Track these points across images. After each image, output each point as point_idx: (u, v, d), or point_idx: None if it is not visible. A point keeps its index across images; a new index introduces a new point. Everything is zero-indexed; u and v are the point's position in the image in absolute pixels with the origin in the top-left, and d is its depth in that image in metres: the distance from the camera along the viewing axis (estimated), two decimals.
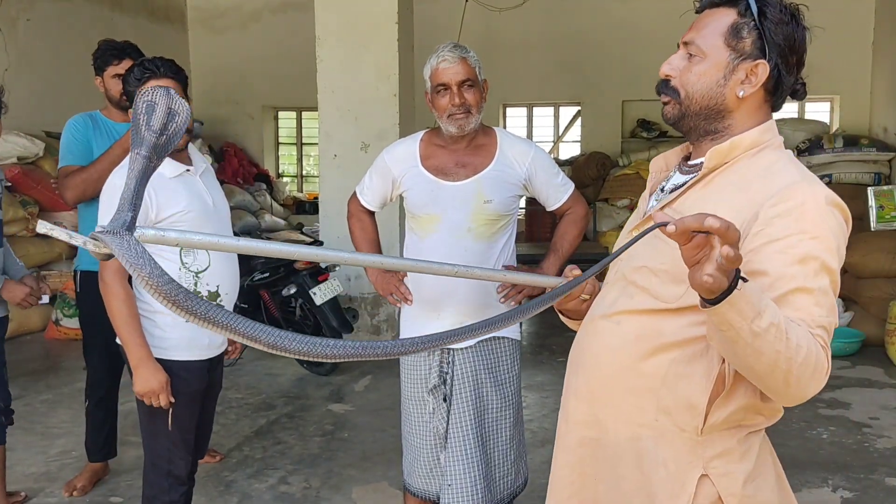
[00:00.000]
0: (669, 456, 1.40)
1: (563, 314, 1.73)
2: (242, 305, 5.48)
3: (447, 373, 2.57)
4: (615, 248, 1.41)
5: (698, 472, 1.38)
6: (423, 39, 6.17)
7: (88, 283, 3.26)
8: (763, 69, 1.39)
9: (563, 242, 2.71)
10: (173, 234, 1.11)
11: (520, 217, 6.29)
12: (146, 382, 2.35)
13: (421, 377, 2.60)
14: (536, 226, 8.48)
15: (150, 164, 1.14)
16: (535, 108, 9.83)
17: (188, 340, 2.47)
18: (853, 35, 7.94)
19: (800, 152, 7.59)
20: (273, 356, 5.81)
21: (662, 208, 1.44)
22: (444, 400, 2.56)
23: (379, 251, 2.77)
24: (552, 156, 9.21)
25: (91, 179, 3.24)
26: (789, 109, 9.10)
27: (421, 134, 2.67)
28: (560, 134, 9.73)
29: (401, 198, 2.69)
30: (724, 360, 1.33)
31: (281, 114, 10.64)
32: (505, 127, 9.68)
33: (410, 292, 2.61)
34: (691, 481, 1.38)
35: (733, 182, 1.39)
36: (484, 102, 2.54)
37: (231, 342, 2.71)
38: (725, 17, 1.41)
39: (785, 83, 1.43)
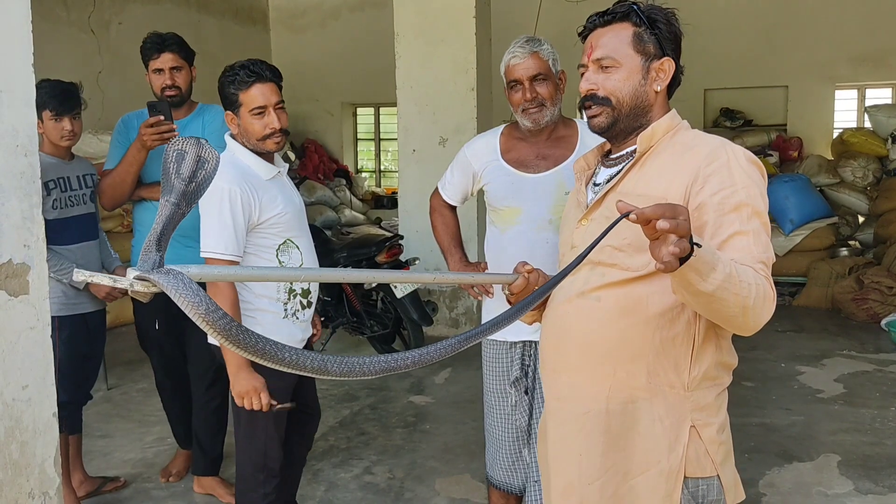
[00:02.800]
0: (664, 412, 1.59)
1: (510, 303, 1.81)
2: (326, 298, 5.60)
3: (529, 365, 2.58)
4: (561, 237, 1.81)
5: (688, 423, 1.58)
6: (500, 32, 6.16)
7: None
8: (669, 64, 1.66)
9: None
10: (195, 270, 1.11)
11: None
12: (246, 383, 2.39)
13: (503, 370, 2.62)
14: None
15: (179, 211, 1.17)
16: None
17: (287, 337, 2.53)
18: None
19: (894, 139, 7.29)
20: (355, 349, 5.93)
21: (606, 194, 1.66)
22: (526, 393, 2.57)
23: (460, 245, 2.80)
24: None
25: (115, 183, 3.25)
26: (883, 95, 8.76)
27: (501, 128, 2.68)
28: None
29: (480, 192, 2.71)
30: (695, 322, 1.56)
31: (359, 110, 10.80)
32: (584, 117, 9.59)
33: (492, 285, 2.63)
34: (684, 432, 1.58)
35: (664, 160, 1.62)
36: (561, 94, 2.53)
37: (315, 327, 2.78)
38: (624, 30, 1.66)
39: (680, 73, 1.69)
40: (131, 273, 1.05)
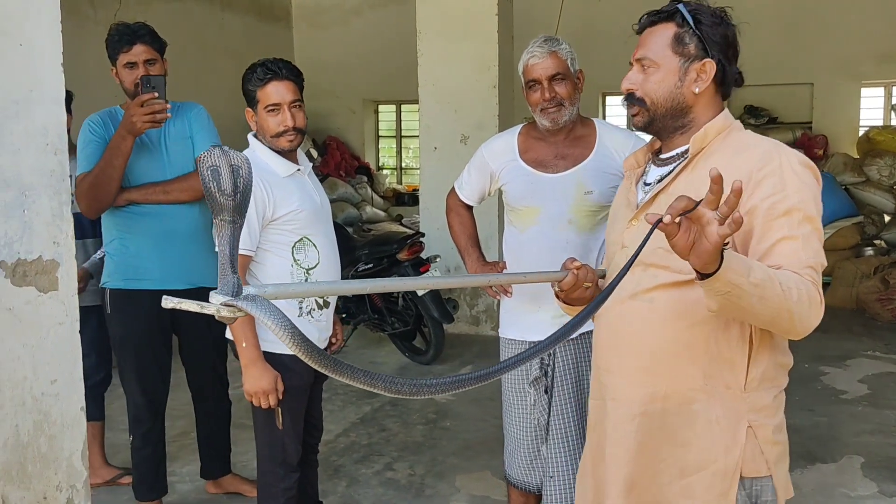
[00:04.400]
0: (721, 413, 1.59)
1: (565, 303, 1.82)
2: (347, 295, 5.63)
3: (548, 364, 2.58)
4: (608, 239, 1.83)
5: (745, 424, 1.59)
6: (522, 29, 6.16)
7: (120, 303, 3.03)
8: (710, 66, 1.62)
9: None
10: (272, 290, 1.18)
11: None
12: (256, 382, 2.43)
13: (522, 369, 2.62)
14: None
15: (236, 225, 1.20)
16: None
17: None
18: None
19: None
20: (376, 346, 5.96)
21: (657, 194, 1.65)
22: (546, 392, 2.58)
23: (477, 245, 2.80)
24: None
25: (98, 183, 2.85)
26: None
27: (519, 127, 2.68)
28: None
29: (499, 191, 2.72)
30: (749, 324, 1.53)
31: (381, 107, 10.83)
32: (604, 116, 9.55)
33: (511, 285, 2.63)
34: (741, 433, 1.58)
35: (716, 162, 1.55)
36: (579, 93, 2.53)
37: (334, 335, 2.77)
38: (667, 30, 1.64)
39: (729, 74, 1.66)
40: (216, 298, 1.11)
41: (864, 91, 8.65)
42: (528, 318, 2.59)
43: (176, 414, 3.32)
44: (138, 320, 3.05)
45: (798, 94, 8.80)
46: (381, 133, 10.99)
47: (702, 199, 1.28)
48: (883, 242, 7.58)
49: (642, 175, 1.77)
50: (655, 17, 1.67)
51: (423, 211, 6.32)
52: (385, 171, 10.87)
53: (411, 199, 9.85)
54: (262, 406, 2.46)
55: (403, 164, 11.05)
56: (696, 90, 1.63)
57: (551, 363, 2.58)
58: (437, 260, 5.57)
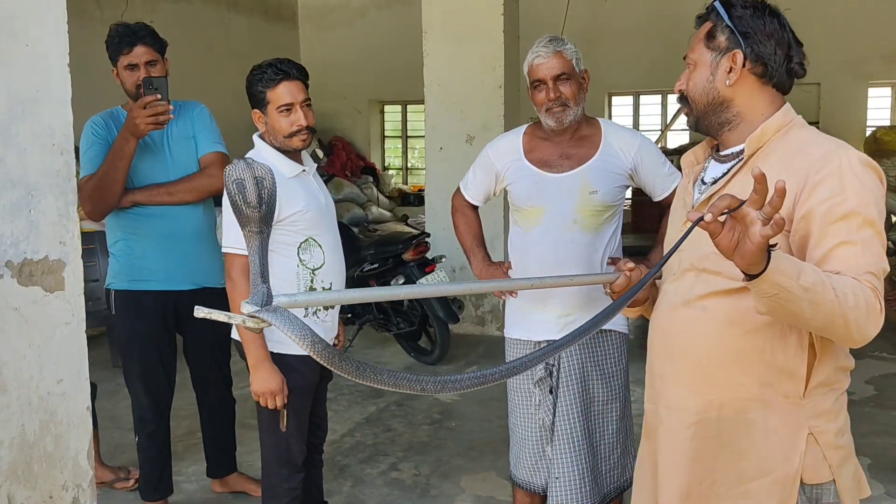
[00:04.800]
0: (779, 423, 1.55)
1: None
2: None
3: (553, 365, 2.58)
4: (666, 239, 1.72)
5: (805, 431, 1.54)
6: (528, 29, 6.15)
7: (125, 304, 3.03)
8: (738, 56, 1.57)
9: None
10: (303, 298, 1.26)
11: (626, 208, 6.21)
12: (263, 382, 2.44)
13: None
14: (643, 217, 8.32)
15: (264, 236, 1.23)
16: (641, 97, 9.64)
17: None
18: None
19: None
20: (381, 345, 5.96)
21: (713, 196, 1.59)
22: (551, 392, 2.57)
23: (482, 245, 2.80)
24: (659, 145, 9.03)
25: (102, 185, 2.84)
26: None
27: (524, 127, 2.68)
28: (668, 122, 9.51)
29: (505, 191, 2.71)
30: (808, 332, 1.48)
31: (387, 107, 10.84)
32: (611, 116, 9.54)
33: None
34: (801, 440, 1.54)
35: (773, 163, 1.53)
36: (584, 93, 2.52)
37: (337, 335, 2.77)
38: (705, 27, 1.63)
39: (770, 64, 1.59)
40: (246, 308, 1.16)
41: (872, 91, 8.64)
42: (533, 318, 2.59)
43: (182, 414, 3.32)
44: (144, 321, 3.05)
45: (805, 95, 8.76)
46: (386, 133, 11.01)
47: (746, 199, 1.26)
48: (891, 243, 7.55)
49: (701, 173, 1.72)
50: (700, 17, 1.66)
51: (429, 211, 6.32)
52: (391, 172, 10.89)
53: (417, 199, 9.86)
54: (269, 407, 2.47)
55: (409, 165, 11.06)
56: (728, 83, 1.59)
57: (556, 364, 2.57)
58: (443, 260, 5.57)
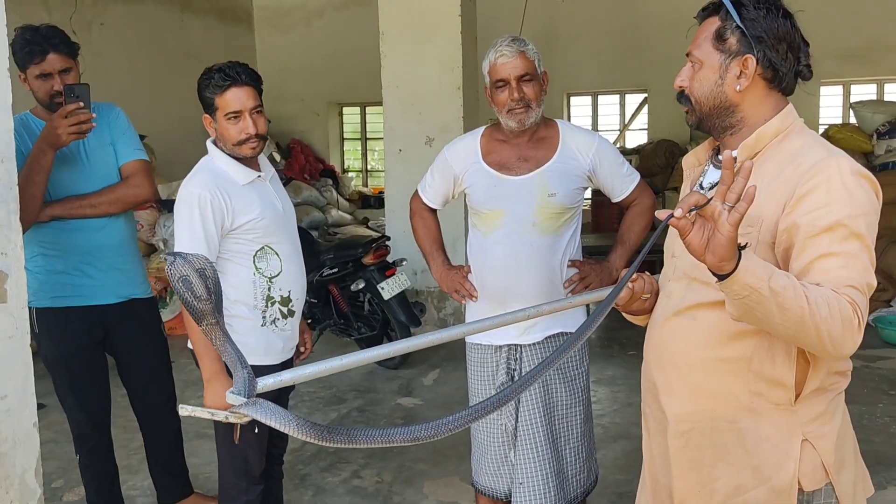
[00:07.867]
0: (771, 431, 1.53)
1: (627, 313, 1.80)
2: (312, 300, 5.57)
3: (515, 369, 2.56)
4: (666, 243, 1.67)
5: (799, 438, 1.51)
6: (485, 31, 6.14)
7: (49, 322, 2.86)
8: (751, 62, 1.52)
9: (630, 234, 2.67)
10: (287, 375, 1.33)
11: (585, 208, 6.23)
12: (218, 397, 2.37)
13: (488, 374, 2.60)
14: (603, 216, 8.38)
15: (222, 323, 1.29)
16: (599, 97, 9.70)
17: (265, 345, 2.50)
18: None
19: (879, 135, 7.32)
20: (342, 351, 5.90)
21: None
22: None
23: (442, 249, 2.77)
24: (618, 145, 9.10)
25: (20, 200, 2.54)
26: (868, 91, 8.80)
27: (482, 129, 2.66)
28: (626, 122, 9.58)
29: (464, 194, 2.69)
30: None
31: (345, 109, 10.76)
32: (569, 116, 9.59)
33: (475, 288, 2.61)
34: (795, 448, 1.51)
35: (766, 172, 1.50)
36: (544, 95, 2.51)
37: (302, 343, 2.72)
38: (711, 25, 1.56)
39: (781, 70, 1.54)
40: (232, 398, 1.26)
41: (823, 90, 8.79)
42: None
43: (133, 426, 3.22)
44: (71, 338, 2.88)
45: None
46: (345, 135, 10.92)
47: (714, 195, 1.24)
48: None
49: (700, 176, 1.69)
50: (704, 12, 1.60)
51: (389, 214, 6.27)
52: (350, 174, 10.80)
53: (377, 201, 9.80)
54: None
55: (369, 167, 10.99)
56: (738, 88, 1.54)
57: (518, 368, 2.56)
58: (404, 263, 5.53)
